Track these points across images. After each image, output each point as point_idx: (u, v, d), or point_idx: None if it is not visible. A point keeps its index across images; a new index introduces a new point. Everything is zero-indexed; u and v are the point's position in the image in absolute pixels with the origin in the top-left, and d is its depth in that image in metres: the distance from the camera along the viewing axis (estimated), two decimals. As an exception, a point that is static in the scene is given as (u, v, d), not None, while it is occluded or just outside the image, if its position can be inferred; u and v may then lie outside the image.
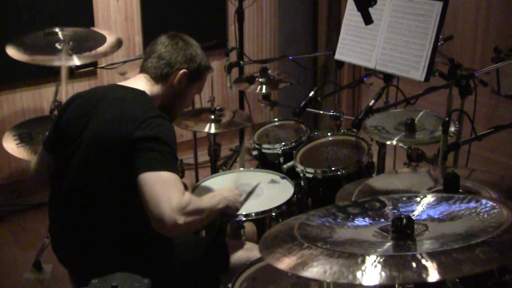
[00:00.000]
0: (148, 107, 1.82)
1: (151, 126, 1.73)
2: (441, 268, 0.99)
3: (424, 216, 1.28)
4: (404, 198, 1.38)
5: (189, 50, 1.97)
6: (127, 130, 1.72)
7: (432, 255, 1.03)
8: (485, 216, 1.21)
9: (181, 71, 1.93)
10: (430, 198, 1.36)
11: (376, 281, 1.00)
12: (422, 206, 1.33)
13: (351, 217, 1.33)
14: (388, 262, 1.04)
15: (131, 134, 1.71)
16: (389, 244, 1.17)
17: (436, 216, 1.27)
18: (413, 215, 1.27)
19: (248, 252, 1.97)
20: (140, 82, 1.93)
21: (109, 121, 1.78)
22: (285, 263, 1.12)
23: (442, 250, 1.04)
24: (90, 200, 1.80)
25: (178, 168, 1.80)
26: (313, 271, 1.06)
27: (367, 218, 1.32)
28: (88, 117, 1.83)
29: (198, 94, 2.11)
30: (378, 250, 1.14)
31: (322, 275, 1.05)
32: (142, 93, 1.89)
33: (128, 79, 1.98)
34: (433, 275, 0.98)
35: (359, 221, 1.31)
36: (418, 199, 1.36)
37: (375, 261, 1.04)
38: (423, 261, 1.01)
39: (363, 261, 1.05)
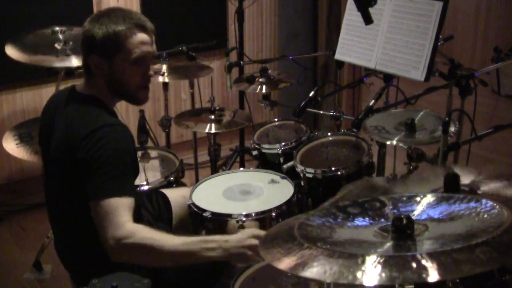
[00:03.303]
0: (91, 117, 1.73)
1: (93, 142, 1.66)
2: (441, 269, 0.99)
3: (424, 216, 1.28)
4: (404, 198, 1.38)
5: (88, 33, 1.77)
6: (71, 151, 1.69)
7: (432, 255, 1.03)
8: (485, 216, 1.21)
9: (90, 59, 1.79)
10: (430, 198, 1.35)
11: (376, 281, 1.00)
12: (422, 206, 1.33)
13: (351, 217, 1.33)
14: (388, 262, 1.04)
15: (75, 156, 1.67)
16: (389, 244, 1.17)
17: (436, 216, 1.27)
18: (413, 215, 1.27)
19: None
20: (85, 84, 1.86)
21: (58, 143, 1.77)
22: (285, 263, 1.12)
23: (442, 250, 1.04)
24: (77, 207, 1.78)
25: (128, 184, 1.68)
26: (313, 271, 1.06)
27: (367, 218, 1.32)
28: (47, 134, 1.84)
29: (138, 59, 1.79)
30: (378, 250, 1.14)
31: (322, 275, 1.04)
32: (87, 98, 1.82)
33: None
34: (433, 276, 0.98)
35: (359, 221, 1.31)
36: (418, 199, 1.36)
37: (375, 261, 1.04)
38: (423, 261, 1.01)
39: (363, 262, 1.05)
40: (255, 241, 1.63)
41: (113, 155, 1.66)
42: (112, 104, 1.88)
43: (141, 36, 1.79)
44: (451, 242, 1.09)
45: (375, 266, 1.03)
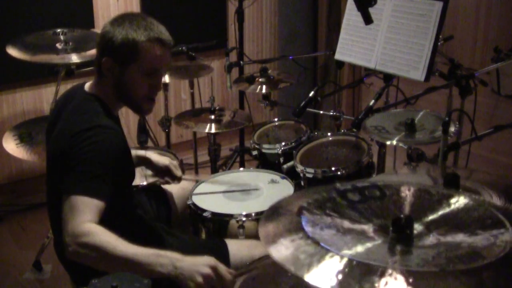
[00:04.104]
0: (87, 117, 1.74)
1: (80, 140, 1.67)
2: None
3: (426, 217, 1.27)
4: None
5: (107, 35, 1.78)
6: (61, 146, 1.70)
7: (439, 276, 1.00)
8: (494, 235, 1.14)
9: (103, 61, 1.79)
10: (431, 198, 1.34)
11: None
12: (425, 205, 1.31)
13: (350, 217, 1.31)
14: (358, 268, 1.02)
15: (63, 152, 1.68)
16: (385, 243, 1.16)
17: (437, 218, 1.26)
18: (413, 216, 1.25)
19: (251, 249, 1.95)
20: (94, 83, 1.87)
21: (54, 140, 1.79)
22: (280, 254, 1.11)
23: (449, 270, 1.01)
24: None
25: (103, 187, 1.64)
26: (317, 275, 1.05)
27: (369, 210, 1.30)
28: (51, 131, 1.84)
29: (151, 73, 1.81)
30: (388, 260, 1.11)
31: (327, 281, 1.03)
32: (91, 97, 1.83)
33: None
34: None
35: (359, 212, 1.29)
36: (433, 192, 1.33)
37: (344, 263, 1.03)
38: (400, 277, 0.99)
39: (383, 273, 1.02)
40: (208, 271, 1.51)
41: (95, 156, 1.66)
42: (115, 108, 1.89)
43: (159, 50, 1.79)
44: (455, 259, 1.05)
45: (343, 269, 1.02)
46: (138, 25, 1.77)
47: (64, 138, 1.71)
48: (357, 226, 1.23)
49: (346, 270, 1.03)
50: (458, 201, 1.27)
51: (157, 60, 1.80)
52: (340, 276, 1.01)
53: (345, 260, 1.06)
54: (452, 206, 1.27)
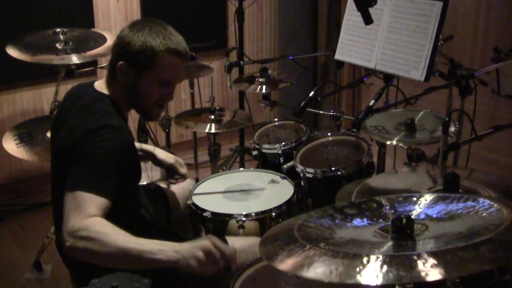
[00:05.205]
0: (99, 116, 1.74)
1: (90, 138, 1.67)
2: (447, 267, 0.99)
3: (423, 216, 1.28)
4: (400, 199, 1.37)
5: (126, 39, 1.78)
6: (71, 144, 1.70)
7: (438, 254, 1.02)
8: (485, 214, 1.21)
9: (119, 64, 1.79)
10: (427, 198, 1.35)
11: (384, 281, 0.99)
12: (420, 206, 1.33)
13: (349, 217, 1.32)
14: (394, 261, 1.03)
15: (72, 149, 1.68)
16: (389, 244, 1.17)
17: (434, 216, 1.27)
18: (412, 215, 1.26)
19: (253, 247, 1.95)
20: (105, 83, 1.87)
21: (63, 136, 1.78)
22: (288, 265, 1.11)
23: (448, 249, 1.04)
24: None
25: (109, 186, 1.63)
26: (318, 272, 1.05)
27: (365, 219, 1.32)
28: (58, 129, 1.84)
29: (166, 82, 1.83)
30: (381, 250, 1.13)
31: (328, 276, 1.04)
32: (103, 97, 1.83)
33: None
34: (440, 274, 0.98)
35: (357, 222, 1.31)
36: (415, 199, 1.36)
37: (381, 260, 1.04)
38: (431, 260, 1.01)
39: (369, 261, 1.04)
40: (208, 243, 1.57)
41: (103, 154, 1.66)
42: (125, 109, 1.89)
43: (176, 62, 1.80)
44: (454, 241, 1.09)
45: (382, 266, 1.02)
46: (157, 34, 1.77)
47: (74, 135, 1.71)
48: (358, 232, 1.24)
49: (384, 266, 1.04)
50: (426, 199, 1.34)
51: (172, 72, 1.81)
52: (380, 274, 1.02)
53: (375, 257, 1.07)
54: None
